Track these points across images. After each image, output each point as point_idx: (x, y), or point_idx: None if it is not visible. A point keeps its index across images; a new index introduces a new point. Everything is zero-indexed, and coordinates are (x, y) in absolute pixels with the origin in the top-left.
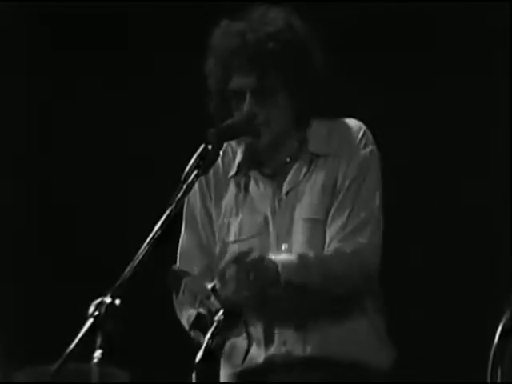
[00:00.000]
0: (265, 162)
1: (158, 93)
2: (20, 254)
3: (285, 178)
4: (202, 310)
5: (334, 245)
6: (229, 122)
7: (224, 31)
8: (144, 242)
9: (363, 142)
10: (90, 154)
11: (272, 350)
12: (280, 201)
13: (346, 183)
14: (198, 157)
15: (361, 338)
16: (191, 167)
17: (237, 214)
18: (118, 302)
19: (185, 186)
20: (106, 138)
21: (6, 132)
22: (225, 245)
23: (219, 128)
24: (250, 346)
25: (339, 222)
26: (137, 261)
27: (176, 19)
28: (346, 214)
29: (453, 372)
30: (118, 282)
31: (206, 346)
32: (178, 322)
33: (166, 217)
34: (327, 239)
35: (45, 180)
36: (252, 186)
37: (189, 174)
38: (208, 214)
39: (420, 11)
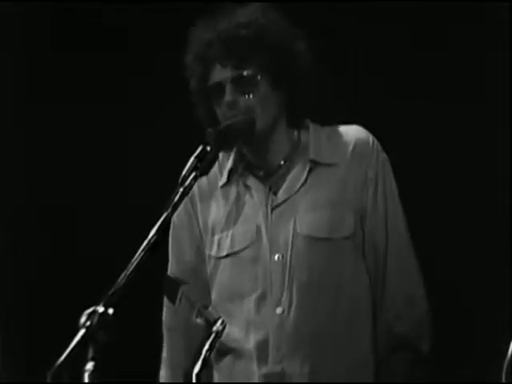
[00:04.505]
0: (257, 164)
1: (158, 92)
2: (17, 257)
3: (279, 184)
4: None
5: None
6: (228, 122)
7: (198, 27)
8: (138, 248)
9: (376, 150)
10: (85, 156)
11: (267, 368)
12: (274, 209)
13: (370, 198)
14: (195, 158)
15: (362, 360)
16: (189, 169)
17: (228, 228)
18: (111, 311)
19: (182, 190)
20: (104, 138)
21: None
22: (217, 261)
23: (218, 129)
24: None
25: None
26: (131, 268)
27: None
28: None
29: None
30: (112, 291)
31: (204, 358)
32: None
33: (162, 222)
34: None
35: (42, 181)
36: (244, 195)
37: (186, 177)
38: (194, 236)
39: (419, 11)
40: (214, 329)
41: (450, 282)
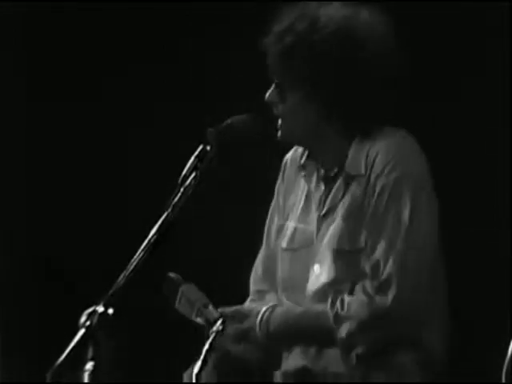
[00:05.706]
0: (319, 165)
1: (158, 92)
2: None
3: (330, 192)
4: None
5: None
6: (228, 121)
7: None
8: (138, 248)
9: (395, 160)
10: (86, 156)
11: (288, 364)
12: (320, 218)
13: (370, 210)
14: (196, 158)
15: (403, 369)
16: (189, 169)
17: (293, 219)
18: (111, 311)
19: (182, 190)
20: (104, 138)
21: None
22: (279, 250)
23: (218, 128)
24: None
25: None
26: (131, 268)
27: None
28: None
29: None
30: (112, 291)
31: (204, 358)
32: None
33: (163, 221)
34: None
35: (43, 184)
36: (310, 192)
37: (186, 177)
38: (279, 207)
39: (418, 11)
40: (214, 328)
41: (449, 282)
